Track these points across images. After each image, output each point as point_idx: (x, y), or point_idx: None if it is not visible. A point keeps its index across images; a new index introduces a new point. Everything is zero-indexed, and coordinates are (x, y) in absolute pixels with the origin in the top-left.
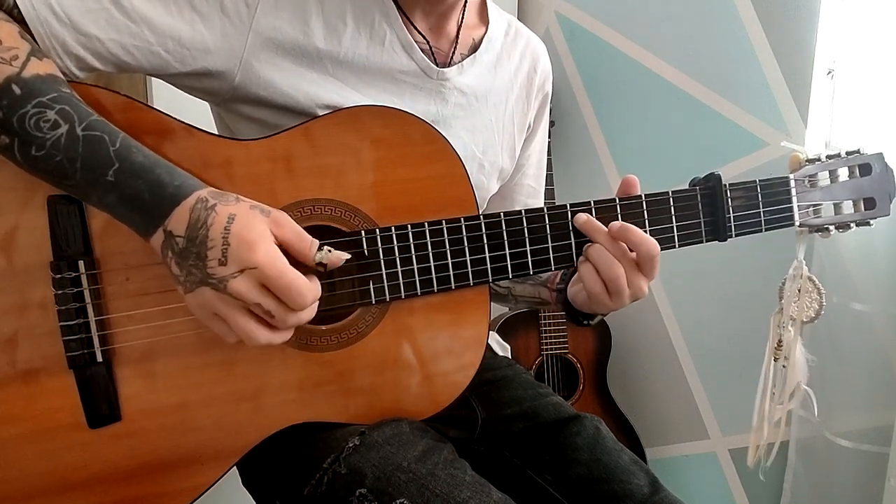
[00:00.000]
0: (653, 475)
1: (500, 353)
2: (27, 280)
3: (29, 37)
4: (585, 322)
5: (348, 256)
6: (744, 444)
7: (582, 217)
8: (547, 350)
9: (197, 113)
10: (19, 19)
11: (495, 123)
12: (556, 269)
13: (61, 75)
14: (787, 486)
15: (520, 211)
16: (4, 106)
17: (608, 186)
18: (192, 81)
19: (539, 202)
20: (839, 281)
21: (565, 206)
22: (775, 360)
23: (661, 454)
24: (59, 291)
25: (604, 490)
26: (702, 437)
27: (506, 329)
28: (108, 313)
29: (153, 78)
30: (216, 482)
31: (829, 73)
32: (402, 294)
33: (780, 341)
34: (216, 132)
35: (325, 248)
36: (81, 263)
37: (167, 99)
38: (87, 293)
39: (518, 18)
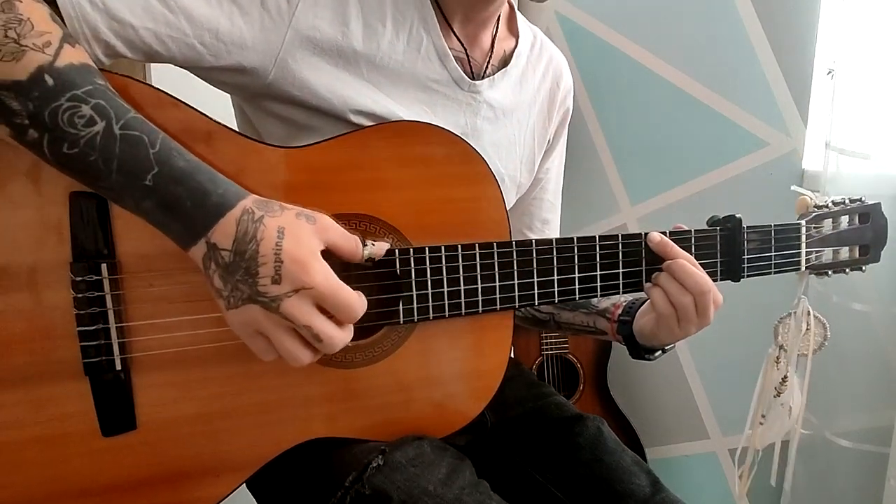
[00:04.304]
0: (654, 475)
1: None
2: (44, 280)
3: (59, 20)
4: (647, 357)
5: (388, 246)
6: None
7: (656, 237)
8: (547, 350)
9: (199, 105)
10: (50, 1)
11: (518, 138)
12: (579, 298)
13: (94, 64)
14: (787, 486)
15: (551, 240)
16: (35, 98)
17: (608, 186)
18: (223, 76)
19: (557, 216)
20: (839, 281)
21: (594, 237)
22: (778, 394)
23: (661, 454)
24: (79, 295)
25: (605, 490)
26: (702, 437)
27: None
28: (128, 320)
29: (152, 64)
30: (230, 494)
31: (829, 73)
32: (431, 316)
33: (785, 377)
34: (233, 126)
35: (368, 242)
36: (104, 267)
37: (168, 88)
38: (108, 298)
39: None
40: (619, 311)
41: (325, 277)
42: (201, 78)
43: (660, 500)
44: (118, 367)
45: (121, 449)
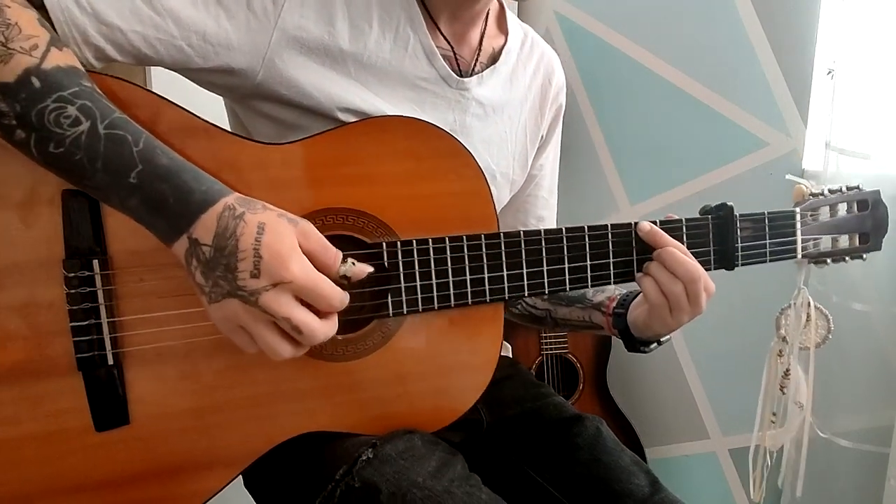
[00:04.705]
0: (653, 475)
1: (502, 353)
2: (38, 277)
3: (48, 24)
4: (643, 349)
5: (371, 270)
6: (744, 444)
7: (646, 226)
8: (547, 350)
9: (200, 107)
10: (38, 5)
11: (509, 135)
12: (570, 288)
13: (81, 67)
14: (799, 491)
15: (539, 231)
16: (22, 99)
17: (608, 186)
18: (212, 77)
19: (552, 213)
20: (839, 281)
21: (583, 227)
22: (781, 388)
23: (661, 454)
24: (71, 290)
25: (604, 490)
26: (702, 437)
27: (506, 329)
28: (120, 314)
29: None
30: (223, 488)
31: (829, 73)
32: (420, 308)
33: (787, 370)
34: (226, 127)
35: (350, 260)
36: (95, 262)
37: (168, 89)
38: (100, 293)
39: (518, 18)
40: (614, 304)
41: (303, 270)
42: (192, 80)
43: (659, 500)
44: (110, 361)
45: (114, 444)
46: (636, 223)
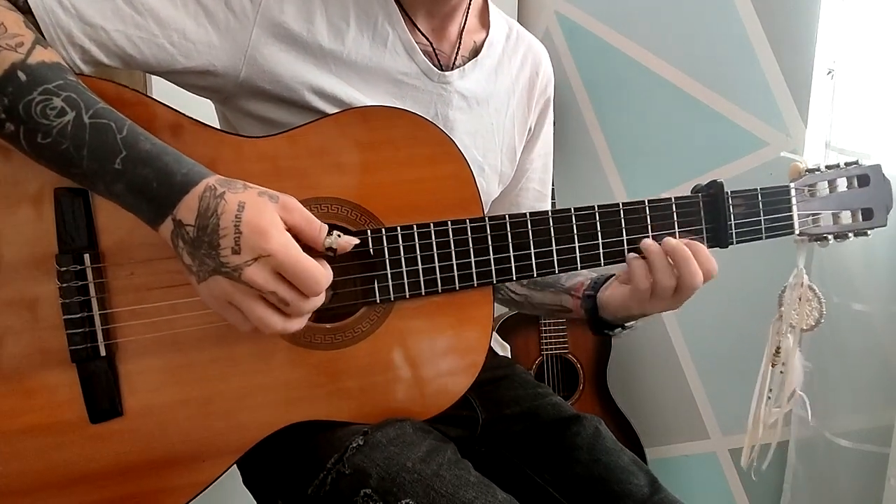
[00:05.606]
0: (652, 475)
1: (500, 353)
2: (32, 273)
3: (33, 26)
4: (608, 332)
5: (357, 241)
6: (744, 444)
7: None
8: (547, 350)
9: (195, 109)
10: (25, 9)
11: (496, 127)
12: (559, 271)
13: (66, 63)
14: (787, 486)
15: (525, 214)
16: (10, 93)
17: (608, 186)
18: (196, 79)
19: (546, 206)
20: (839, 281)
21: (570, 209)
22: (773, 365)
23: (661, 454)
24: (64, 285)
25: (603, 490)
26: (702, 437)
27: (506, 329)
28: (112, 307)
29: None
30: (217, 479)
31: (829, 73)
32: (407, 294)
33: (778, 348)
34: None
35: (335, 232)
36: (87, 257)
37: (167, 94)
38: (91, 287)
39: (518, 18)
40: (584, 287)
41: (284, 245)
42: (180, 85)
43: (658, 501)
44: (103, 353)
45: (109, 436)
46: (621, 203)
